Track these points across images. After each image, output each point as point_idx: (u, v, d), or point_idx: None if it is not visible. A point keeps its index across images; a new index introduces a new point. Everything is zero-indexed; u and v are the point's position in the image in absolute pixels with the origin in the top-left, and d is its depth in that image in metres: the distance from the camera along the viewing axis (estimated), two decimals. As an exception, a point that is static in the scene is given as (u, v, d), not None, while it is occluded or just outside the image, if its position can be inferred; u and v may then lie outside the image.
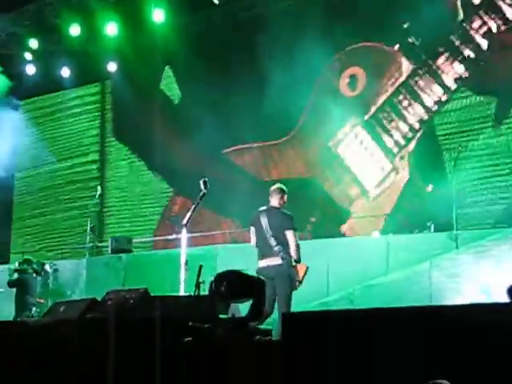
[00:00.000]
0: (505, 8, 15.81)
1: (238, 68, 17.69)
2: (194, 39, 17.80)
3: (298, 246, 10.35)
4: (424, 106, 16.79)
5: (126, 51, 18.62)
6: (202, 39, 17.97)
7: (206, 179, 10.38)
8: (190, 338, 6.95)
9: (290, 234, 10.33)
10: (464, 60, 16.26)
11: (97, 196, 18.07)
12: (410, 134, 16.87)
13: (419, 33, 16.68)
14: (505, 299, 6.46)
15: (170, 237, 16.32)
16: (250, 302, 7.62)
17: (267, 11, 17.67)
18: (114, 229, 20.14)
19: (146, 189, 20.17)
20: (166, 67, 19.69)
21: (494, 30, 15.91)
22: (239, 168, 18.74)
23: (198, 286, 8.21)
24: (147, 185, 20.18)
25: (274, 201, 10.66)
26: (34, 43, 19.48)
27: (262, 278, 7.86)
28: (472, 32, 16.14)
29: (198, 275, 8.26)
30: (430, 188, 15.86)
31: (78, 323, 7.73)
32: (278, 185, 10.98)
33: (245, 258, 12.12)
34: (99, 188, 17.96)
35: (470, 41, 16.18)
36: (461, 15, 16.34)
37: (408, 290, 12.18)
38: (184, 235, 10.19)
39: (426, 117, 16.74)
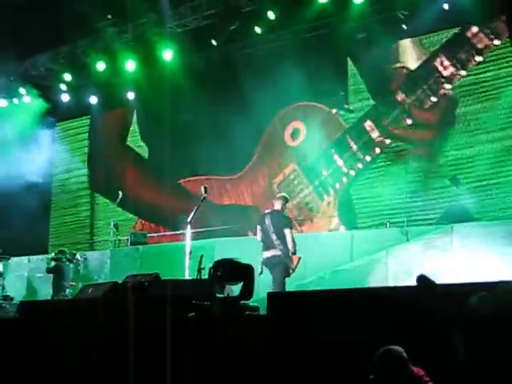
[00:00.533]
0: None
1: (219, 104, 17.44)
2: (195, 74, 17.78)
3: (293, 241, 10.85)
4: (355, 159, 16.65)
5: (142, 83, 18.61)
6: (202, 74, 17.93)
7: (206, 186, 10.55)
8: (194, 313, 6.99)
9: (287, 232, 10.83)
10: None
11: (118, 199, 18.02)
12: (337, 186, 16.79)
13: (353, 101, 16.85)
14: (443, 281, 6.50)
15: (177, 232, 16.29)
16: (241, 284, 7.65)
17: (256, 52, 17.64)
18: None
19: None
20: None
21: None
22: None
23: (199, 271, 8.24)
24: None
25: (278, 205, 11.24)
26: (67, 77, 19.52)
27: (250, 264, 7.81)
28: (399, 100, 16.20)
29: (200, 263, 8.29)
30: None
31: (103, 301, 7.75)
32: (283, 193, 11.97)
33: (237, 249, 12.23)
34: (120, 193, 17.90)
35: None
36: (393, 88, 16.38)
37: (368, 274, 12.23)
38: (188, 230, 10.24)
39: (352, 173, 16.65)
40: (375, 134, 16.36)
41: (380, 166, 16.38)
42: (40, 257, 17.13)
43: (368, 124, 16.48)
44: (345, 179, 16.73)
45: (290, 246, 10.74)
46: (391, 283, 11.69)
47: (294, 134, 17.81)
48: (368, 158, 16.45)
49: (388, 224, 14.17)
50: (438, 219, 14.15)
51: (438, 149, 15.54)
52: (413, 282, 5.52)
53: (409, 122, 15.91)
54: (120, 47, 18.03)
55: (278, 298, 7.21)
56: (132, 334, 6.82)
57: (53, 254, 15.91)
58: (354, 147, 16.63)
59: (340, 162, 16.79)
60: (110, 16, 17.59)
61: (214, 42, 17.40)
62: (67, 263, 15.38)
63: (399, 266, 12.00)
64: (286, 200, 11.41)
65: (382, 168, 16.28)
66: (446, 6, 14.87)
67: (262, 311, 7.35)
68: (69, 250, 16.11)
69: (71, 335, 7.55)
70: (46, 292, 15.32)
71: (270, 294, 7.03)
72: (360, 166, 16.54)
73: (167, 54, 17.72)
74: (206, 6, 16.78)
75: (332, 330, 5.90)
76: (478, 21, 14.96)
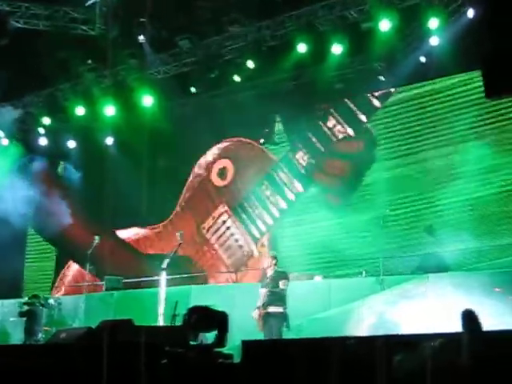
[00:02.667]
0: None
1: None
2: (174, 119, 17.86)
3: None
4: (283, 197, 16.69)
5: (121, 128, 18.63)
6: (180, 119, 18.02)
7: (182, 232, 10.58)
8: (166, 360, 6.91)
9: None
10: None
11: (94, 244, 17.84)
12: (270, 222, 16.73)
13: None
14: (421, 330, 6.52)
15: (152, 278, 16.17)
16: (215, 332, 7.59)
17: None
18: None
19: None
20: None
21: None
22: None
23: (173, 318, 8.18)
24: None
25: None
26: (46, 120, 19.45)
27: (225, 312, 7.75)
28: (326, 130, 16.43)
29: (174, 309, 8.24)
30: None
31: (77, 347, 7.65)
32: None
33: (212, 296, 12.17)
34: (96, 238, 17.74)
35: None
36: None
37: (345, 322, 12.20)
38: (163, 277, 10.20)
39: (285, 206, 16.63)
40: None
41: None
42: (13, 301, 16.91)
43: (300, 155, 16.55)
44: (277, 214, 16.66)
45: None
46: (366, 332, 11.67)
47: (221, 174, 17.71)
48: (300, 189, 16.52)
49: (364, 273, 14.19)
50: (413, 269, 14.16)
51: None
52: (387, 331, 5.53)
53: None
54: (99, 92, 18.06)
55: (252, 346, 7.15)
56: (105, 380, 6.72)
57: (26, 299, 15.76)
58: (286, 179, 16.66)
59: (273, 196, 16.77)
60: (90, 61, 17.63)
61: (193, 89, 17.47)
62: (40, 307, 15.24)
63: (374, 315, 11.99)
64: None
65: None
66: (423, 59, 15.09)
67: (237, 359, 7.29)
68: (42, 294, 15.96)
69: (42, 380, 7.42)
70: (18, 336, 15.13)
71: (244, 342, 6.98)
72: (292, 197, 16.54)
73: (147, 100, 17.78)
74: (187, 53, 16.93)
75: (307, 379, 5.86)
76: (454, 73, 15.23)
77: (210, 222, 17.53)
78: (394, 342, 5.66)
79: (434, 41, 14.65)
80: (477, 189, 14.71)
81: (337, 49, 15.30)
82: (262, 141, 17.38)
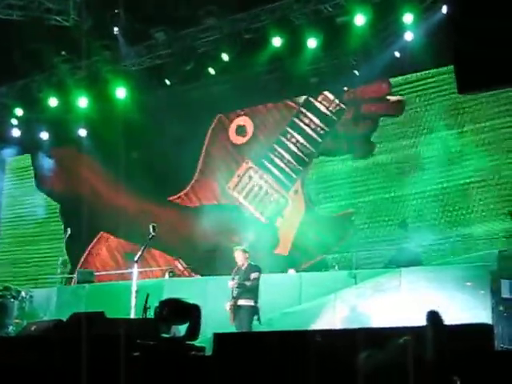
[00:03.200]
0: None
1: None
2: (148, 111, 17.76)
3: None
4: (310, 140, 16.59)
5: (94, 120, 18.51)
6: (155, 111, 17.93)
7: (155, 224, 10.47)
8: (138, 353, 6.87)
9: None
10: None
11: (66, 236, 17.71)
12: (300, 168, 16.63)
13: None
14: (394, 324, 6.54)
15: (125, 271, 16.14)
16: (187, 324, 7.54)
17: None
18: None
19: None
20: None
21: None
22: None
23: (145, 310, 8.13)
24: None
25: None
26: (19, 111, 19.27)
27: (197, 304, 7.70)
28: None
29: (145, 302, 8.19)
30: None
31: (47, 339, 7.59)
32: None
33: (185, 289, 12.15)
34: (68, 230, 17.62)
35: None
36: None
37: (317, 316, 12.22)
38: (135, 269, 10.14)
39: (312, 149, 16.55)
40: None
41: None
42: (-17, 293, 16.75)
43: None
44: (307, 159, 16.59)
45: None
46: (339, 326, 11.70)
47: (241, 131, 17.66)
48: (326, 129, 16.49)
49: (337, 267, 14.22)
50: (386, 263, 14.20)
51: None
52: (359, 325, 5.55)
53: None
54: (73, 84, 17.94)
55: (224, 339, 7.13)
56: (73, 373, 6.67)
57: (-3, 291, 15.61)
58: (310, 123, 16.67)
59: (296, 145, 16.72)
60: (64, 52, 17.49)
61: (167, 82, 17.38)
62: (12, 300, 15.08)
63: (347, 308, 12.02)
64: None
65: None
66: (397, 54, 15.13)
67: (209, 352, 7.26)
68: (14, 286, 15.81)
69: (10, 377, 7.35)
70: (-11, 329, 14.99)
71: (216, 335, 6.96)
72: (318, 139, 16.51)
73: (120, 92, 17.67)
74: (162, 45, 16.83)
75: (279, 372, 5.86)
76: (428, 69, 15.30)
77: (235, 180, 17.36)
78: (365, 334, 5.67)
79: (409, 36, 14.70)
80: (443, 179, 14.79)
81: (312, 43, 15.31)
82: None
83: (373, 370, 4.98)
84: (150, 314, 7.91)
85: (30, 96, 18.88)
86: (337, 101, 16.46)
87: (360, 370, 4.96)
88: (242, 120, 17.72)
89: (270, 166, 16.98)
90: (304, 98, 16.91)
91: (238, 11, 15.87)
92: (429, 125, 15.28)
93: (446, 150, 14.91)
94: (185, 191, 18.24)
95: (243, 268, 11.97)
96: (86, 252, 19.60)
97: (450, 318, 9.46)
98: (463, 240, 14.31)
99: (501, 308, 10.67)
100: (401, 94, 15.83)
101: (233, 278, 11.82)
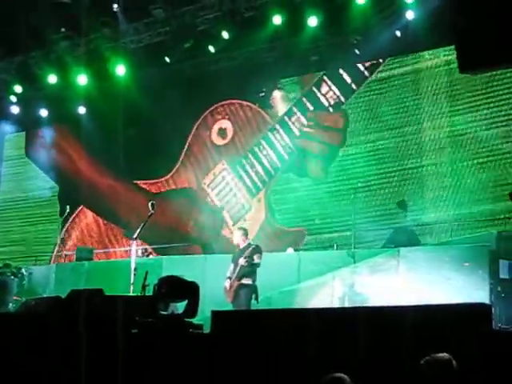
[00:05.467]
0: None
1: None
2: (148, 89, 17.69)
3: None
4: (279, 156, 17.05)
5: (94, 97, 18.45)
6: (154, 89, 17.87)
7: (154, 202, 10.48)
8: (136, 330, 6.90)
9: None
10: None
11: (65, 214, 17.71)
12: (266, 179, 17.12)
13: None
14: (389, 303, 6.56)
15: (124, 248, 16.17)
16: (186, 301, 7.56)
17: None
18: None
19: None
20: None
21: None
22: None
23: (143, 288, 8.15)
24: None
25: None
26: (18, 88, 19.20)
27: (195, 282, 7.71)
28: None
29: (144, 279, 8.21)
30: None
31: (44, 316, 7.61)
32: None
33: (185, 267, 12.17)
34: (67, 207, 17.60)
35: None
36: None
37: (315, 295, 12.25)
38: (134, 247, 10.14)
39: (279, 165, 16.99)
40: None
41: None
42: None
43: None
44: (273, 173, 17.06)
45: None
46: (337, 305, 11.74)
47: (222, 133, 18.03)
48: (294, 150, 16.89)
49: (336, 246, 14.22)
50: (384, 242, 14.21)
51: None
52: (358, 304, 5.59)
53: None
54: (72, 61, 17.86)
55: (222, 317, 7.15)
56: (72, 350, 6.70)
57: (-4, 268, 15.62)
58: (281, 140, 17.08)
59: (266, 158, 17.17)
60: (63, 29, 17.40)
61: (167, 59, 17.30)
62: (12, 277, 15.10)
63: (346, 288, 12.04)
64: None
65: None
66: (398, 33, 15.05)
67: (206, 330, 7.28)
68: (14, 263, 15.84)
69: (12, 351, 7.37)
70: (-13, 307, 15.01)
71: (214, 313, 6.98)
72: (286, 157, 16.94)
73: (120, 69, 17.60)
74: (161, 23, 16.74)
75: (276, 349, 5.87)
76: (429, 49, 15.22)
77: (210, 177, 18.00)
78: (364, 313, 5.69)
79: (410, 15, 14.62)
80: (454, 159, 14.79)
81: (312, 21, 15.22)
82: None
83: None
84: (149, 292, 7.91)
85: (28, 73, 18.77)
86: (305, 123, 16.81)
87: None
88: (225, 123, 18.10)
89: (241, 171, 17.53)
90: (281, 114, 17.27)
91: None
92: (432, 106, 15.22)
93: (444, 131, 14.88)
94: (166, 178, 18.76)
95: (242, 247, 11.95)
96: (68, 224, 19.68)
97: (448, 298, 9.53)
98: (462, 220, 14.31)
99: (499, 289, 10.69)
100: (401, 74, 15.74)
101: (237, 259, 11.80)
